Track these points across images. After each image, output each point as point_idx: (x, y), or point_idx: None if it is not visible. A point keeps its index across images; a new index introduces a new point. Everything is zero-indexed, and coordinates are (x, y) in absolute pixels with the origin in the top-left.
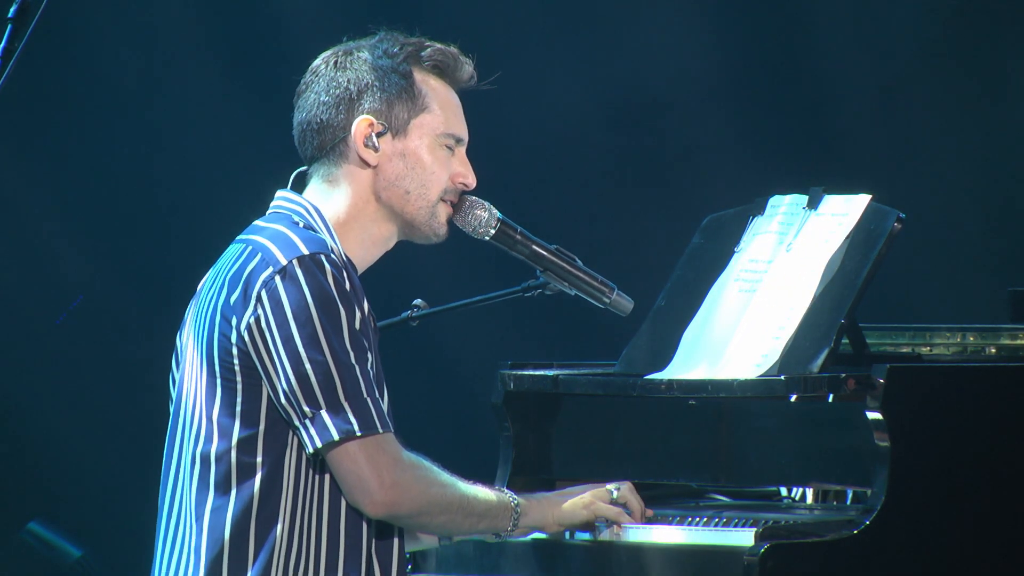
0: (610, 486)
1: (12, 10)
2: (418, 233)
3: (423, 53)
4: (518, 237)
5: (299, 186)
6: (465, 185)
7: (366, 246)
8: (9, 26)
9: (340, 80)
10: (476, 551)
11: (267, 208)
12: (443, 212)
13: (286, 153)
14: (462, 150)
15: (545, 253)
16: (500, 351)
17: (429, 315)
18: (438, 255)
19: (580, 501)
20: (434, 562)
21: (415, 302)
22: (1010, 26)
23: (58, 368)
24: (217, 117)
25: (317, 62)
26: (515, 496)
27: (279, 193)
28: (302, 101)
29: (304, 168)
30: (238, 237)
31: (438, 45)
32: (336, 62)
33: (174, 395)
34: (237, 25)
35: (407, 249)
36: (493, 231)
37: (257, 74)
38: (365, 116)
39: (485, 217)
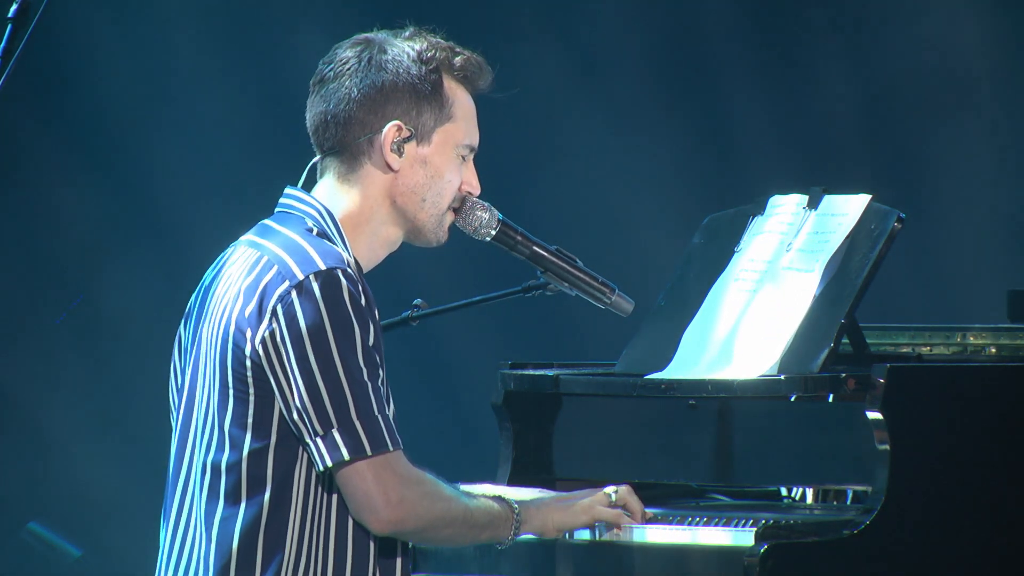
0: (608, 489)
1: (12, 10)
2: (422, 238)
3: (455, 60)
4: (519, 238)
5: (309, 180)
6: (471, 193)
7: (374, 248)
8: (9, 26)
9: (375, 79)
10: (476, 551)
11: (274, 205)
12: (449, 219)
13: (290, 149)
14: (471, 157)
15: (546, 254)
16: (500, 351)
17: (429, 315)
18: (438, 255)
19: (579, 506)
20: (434, 562)
21: (415, 302)
22: (1008, 26)
23: (58, 368)
24: (221, 113)
25: (347, 53)
26: (515, 503)
27: (289, 191)
28: (327, 91)
29: (316, 160)
30: (248, 239)
31: (467, 53)
32: (370, 59)
33: (176, 395)
34: (241, 23)
35: (407, 249)
36: (494, 232)
37: (262, 72)
38: (396, 121)
39: (486, 218)
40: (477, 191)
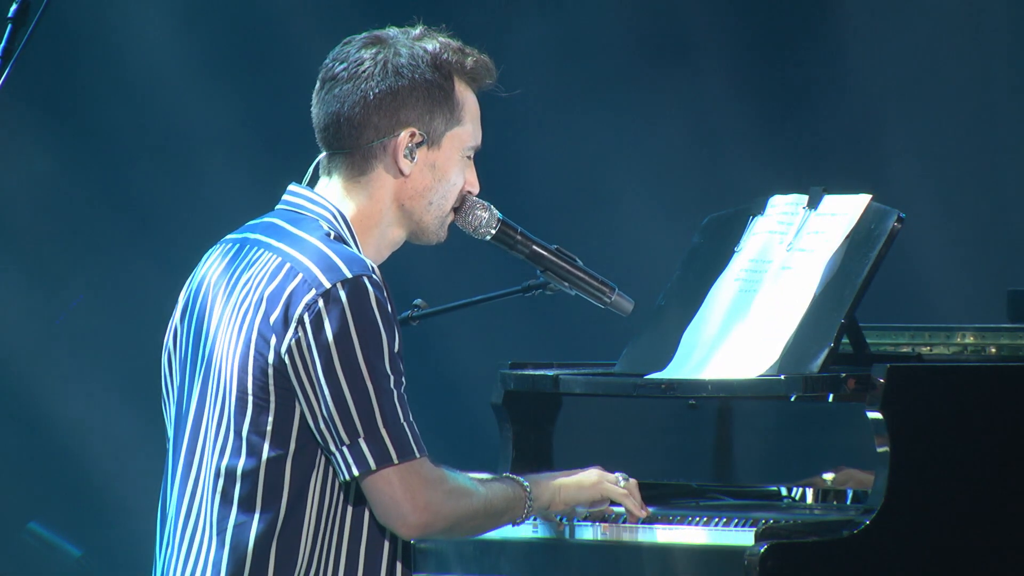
0: (618, 474)
1: (12, 10)
2: (423, 238)
3: (466, 63)
4: (518, 237)
5: (312, 177)
6: (472, 193)
7: (380, 249)
8: (9, 26)
9: (391, 84)
10: (476, 551)
11: (270, 203)
12: (450, 219)
13: (286, 146)
14: (473, 157)
15: (545, 253)
16: (500, 351)
17: (429, 315)
18: (438, 255)
19: (588, 480)
20: (434, 562)
21: (415, 302)
22: (1006, 26)
23: (58, 368)
24: (220, 110)
25: (361, 53)
26: (525, 481)
27: (296, 190)
28: (341, 91)
29: (320, 157)
30: (258, 239)
31: (477, 54)
32: (386, 62)
33: (175, 393)
34: (235, 22)
35: (407, 249)
36: (494, 231)
37: (257, 71)
38: (411, 127)
39: (486, 218)
40: (477, 190)
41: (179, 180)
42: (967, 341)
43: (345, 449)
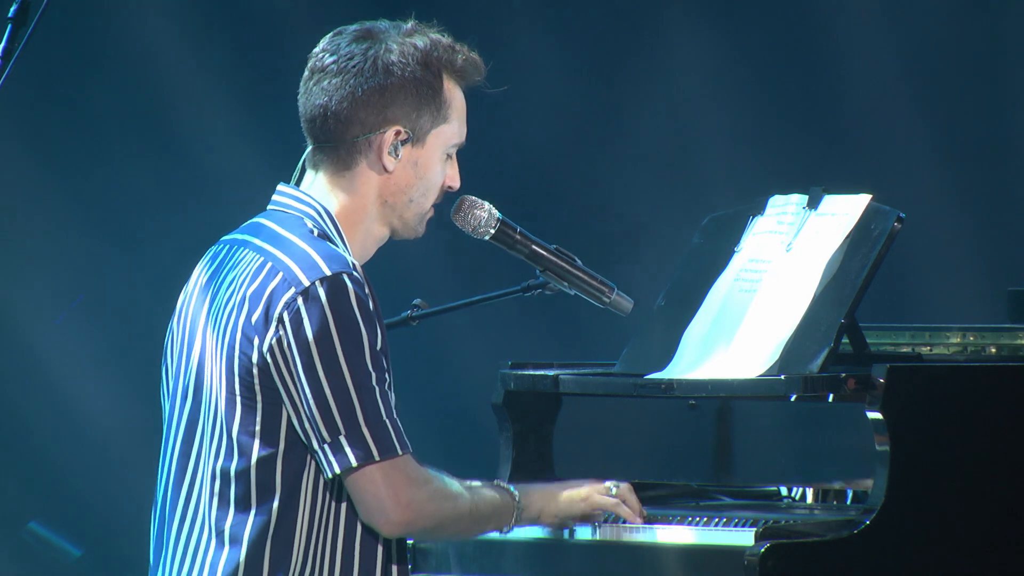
0: (609, 483)
1: (12, 10)
2: (402, 234)
3: (456, 60)
4: (517, 237)
5: (299, 172)
6: (452, 188)
7: (366, 245)
8: (9, 26)
9: (380, 81)
10: (476, 551)
11: (264, 204)
12: (429, 215)
13: (287, 145)
14: (455, 153)
15: (544, 253)
16: (500, 351)
17: (429, 315)
18: (438, 255)
19: (578, 494)
20: (434, 562)
21: (415, 302)
22: (1009, 26)
23: (58, 367)
24: (220, 109)
25: (352, 47)
26: (515, 491)
27: (283, 189)
28: (329, 84)
29: (307, 152)
30: (245, 239)
31: (467, 52)
32: (376, 58)
33: (171, 395)
34: (237, 20)
35: (407, 249)
36: (493, 231)
37: (256, 71)
38: (397, 125)
39: (485, 217)
40: (458, 185)
41: (180, 182)
42: (967, 341)
43: (327, 447)
